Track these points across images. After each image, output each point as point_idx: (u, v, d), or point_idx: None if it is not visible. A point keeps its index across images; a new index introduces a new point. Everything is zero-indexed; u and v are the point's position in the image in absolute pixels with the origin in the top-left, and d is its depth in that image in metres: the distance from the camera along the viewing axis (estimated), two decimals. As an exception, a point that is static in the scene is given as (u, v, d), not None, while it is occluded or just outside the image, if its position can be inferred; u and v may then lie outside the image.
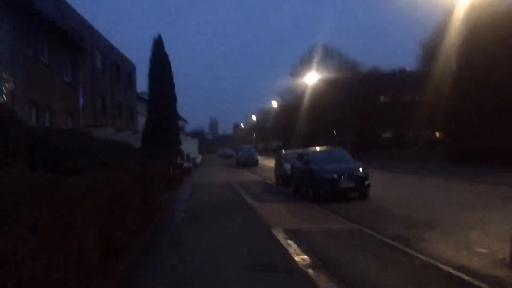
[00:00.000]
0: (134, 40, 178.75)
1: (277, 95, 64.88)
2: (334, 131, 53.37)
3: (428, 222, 9.14)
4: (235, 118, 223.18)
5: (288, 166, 19.24)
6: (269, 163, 38.87)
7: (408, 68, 47.72)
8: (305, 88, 51.49)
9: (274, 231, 8.56)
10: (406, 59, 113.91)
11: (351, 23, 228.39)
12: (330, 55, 52.64)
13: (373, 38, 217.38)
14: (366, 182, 13.91)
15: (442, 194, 14.23)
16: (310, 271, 5.83)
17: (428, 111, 32.93)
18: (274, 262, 6.33)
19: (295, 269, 6.01)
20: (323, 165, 14.44)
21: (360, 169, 14.13)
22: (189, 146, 46.17)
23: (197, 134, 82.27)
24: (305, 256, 6.58)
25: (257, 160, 44.80)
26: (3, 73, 12.87)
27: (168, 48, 26.60)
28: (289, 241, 7.60)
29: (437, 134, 43.83)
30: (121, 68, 35.68)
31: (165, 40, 26.52)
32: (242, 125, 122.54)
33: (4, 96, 12.87)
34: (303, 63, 53.79)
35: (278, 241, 7.73)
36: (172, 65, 27.36)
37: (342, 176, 13.73)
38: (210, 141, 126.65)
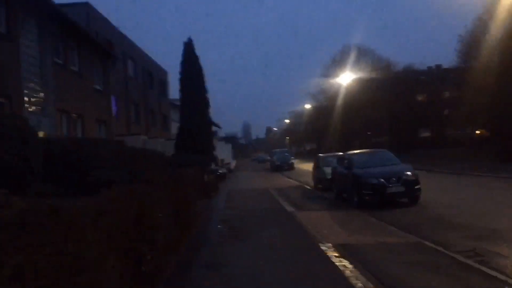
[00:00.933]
0: (167, 45, 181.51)
1: (310, 97, 63.65)
2: (369, 132, 51.84)
3: (498, 231, 7.94)
4: (267, 121, 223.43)
5: (328, 170, 18.44)
6: (304, 166, 37.74)
7: (444, 65, 45.64)
8: (338, 89, 50.17)
9: (323, 247, 7.51)
10: (442, 56, 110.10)
11: (384, 22, 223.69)
12: (363, 54, 51.10)
13: (406, 37, 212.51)
14: (416, 186, 12.73)
15: (503, 196, 12.85)
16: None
17: (468, 108, 31.20)
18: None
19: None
20: (368, 168, 13.41)
21: (409, 172, 12.96)
22: (223, 152, 45.70)
23: (230, 139, 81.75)
24: (368, 282, 5.45)
25: (292, 164, 43.76)
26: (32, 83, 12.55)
27: (200, 52, 26.01)
28: (343, 261, 6.52)
29: (478, 132, 41.59)
30: (153, 76, 35.64)
31: (196, 45, 25.88)
32: (275, 128, 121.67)
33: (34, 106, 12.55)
34: (335, 64, 52.62)
35: (331, 261, 6.63)
36: (204, 69, 26.73)
37: (390, 180, 12.61)
38: (243, 146, 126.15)
